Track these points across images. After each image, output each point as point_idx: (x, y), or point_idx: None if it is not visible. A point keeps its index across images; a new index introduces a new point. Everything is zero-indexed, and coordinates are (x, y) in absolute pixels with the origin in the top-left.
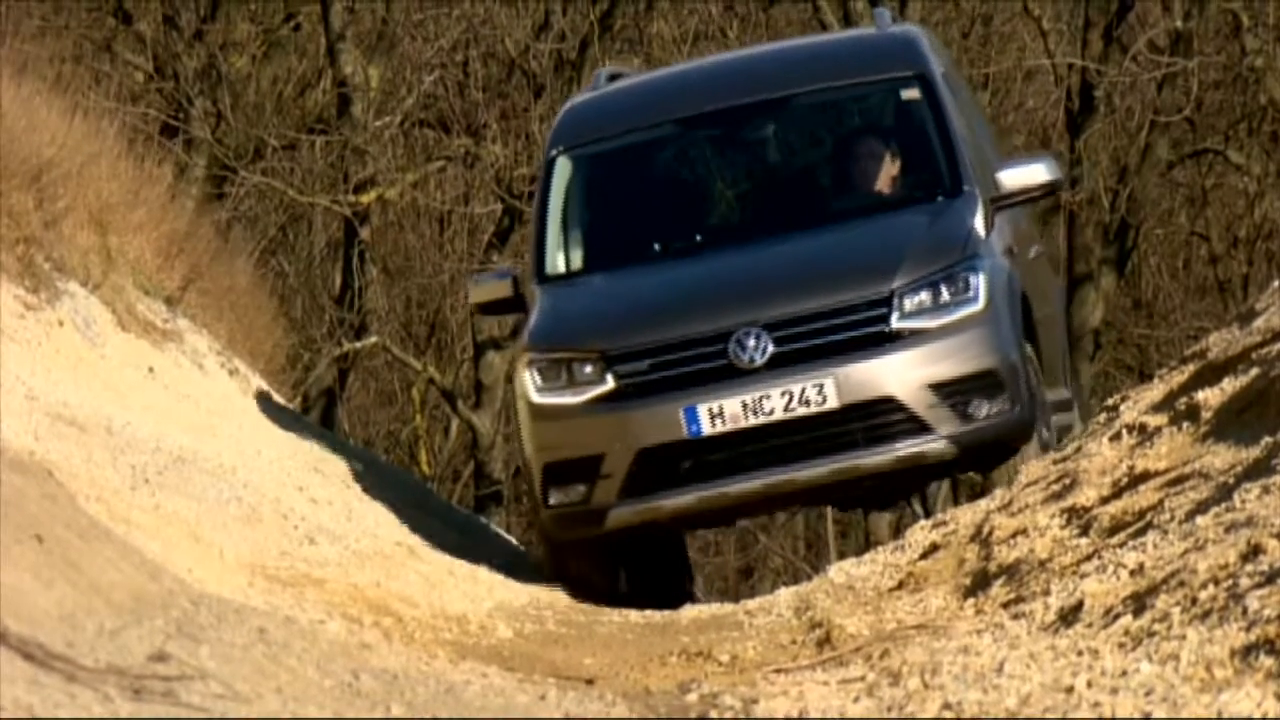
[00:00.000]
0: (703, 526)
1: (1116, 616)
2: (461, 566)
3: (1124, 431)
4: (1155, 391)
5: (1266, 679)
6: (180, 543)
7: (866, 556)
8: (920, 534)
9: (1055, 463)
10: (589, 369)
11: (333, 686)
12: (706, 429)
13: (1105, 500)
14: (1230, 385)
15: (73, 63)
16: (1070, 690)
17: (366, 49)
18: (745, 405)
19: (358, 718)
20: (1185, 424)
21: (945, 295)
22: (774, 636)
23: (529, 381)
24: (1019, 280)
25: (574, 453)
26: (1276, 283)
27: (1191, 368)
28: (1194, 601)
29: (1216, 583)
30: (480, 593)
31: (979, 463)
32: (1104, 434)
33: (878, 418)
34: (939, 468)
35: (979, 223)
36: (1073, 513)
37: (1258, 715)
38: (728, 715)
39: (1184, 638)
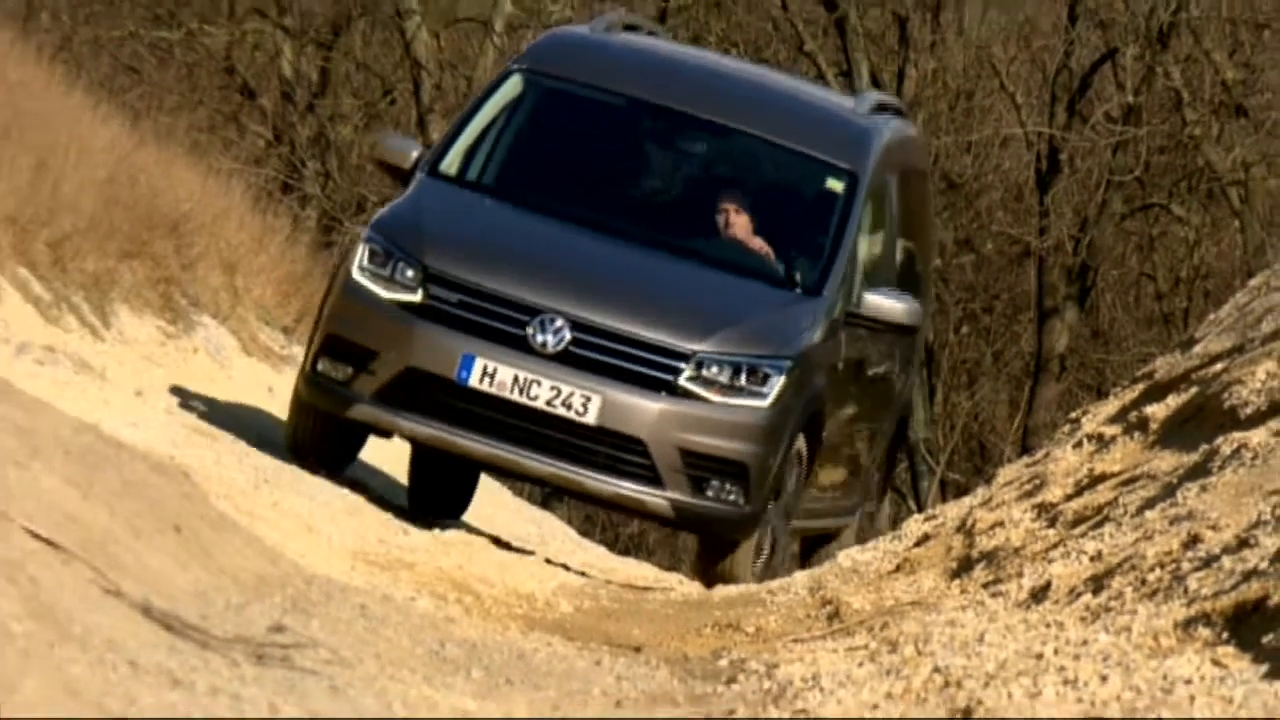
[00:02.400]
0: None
1: (1079, 595)
2: (531, 554)
3: (1085, 440)
4: (1110, 406)
5: (1205, 647)
6: (295, 533)
7: (869, 545)
8: (914, 526)
9: (1028, 466)
10: (410, 274)
11: (423, 654)
12: (473, 381)
13: (1069, 498)
14: (1174, 401)
15: (206, 132)
16: (1040, 656)
17: (451, 120)
18: (516, 379)
19: (444, 679)
20: (1136, 434)
21: (742, 380)
22: (792, 612)
23: (356, 256)
24: (822, 394)
25: (357, 338)
26: (1212, 315)
27: (1141, 386)
28: (1144, 582)
29: (1162, 567)
30: (546, 575)
31: (694, 531)
32: (1068, 442)
33: (621, 452)
34: (652, 519)
35: (818, 329)
36: (1042, 508)
37: (1197, 677)
38: (753, 677)
39: (1135, 613)
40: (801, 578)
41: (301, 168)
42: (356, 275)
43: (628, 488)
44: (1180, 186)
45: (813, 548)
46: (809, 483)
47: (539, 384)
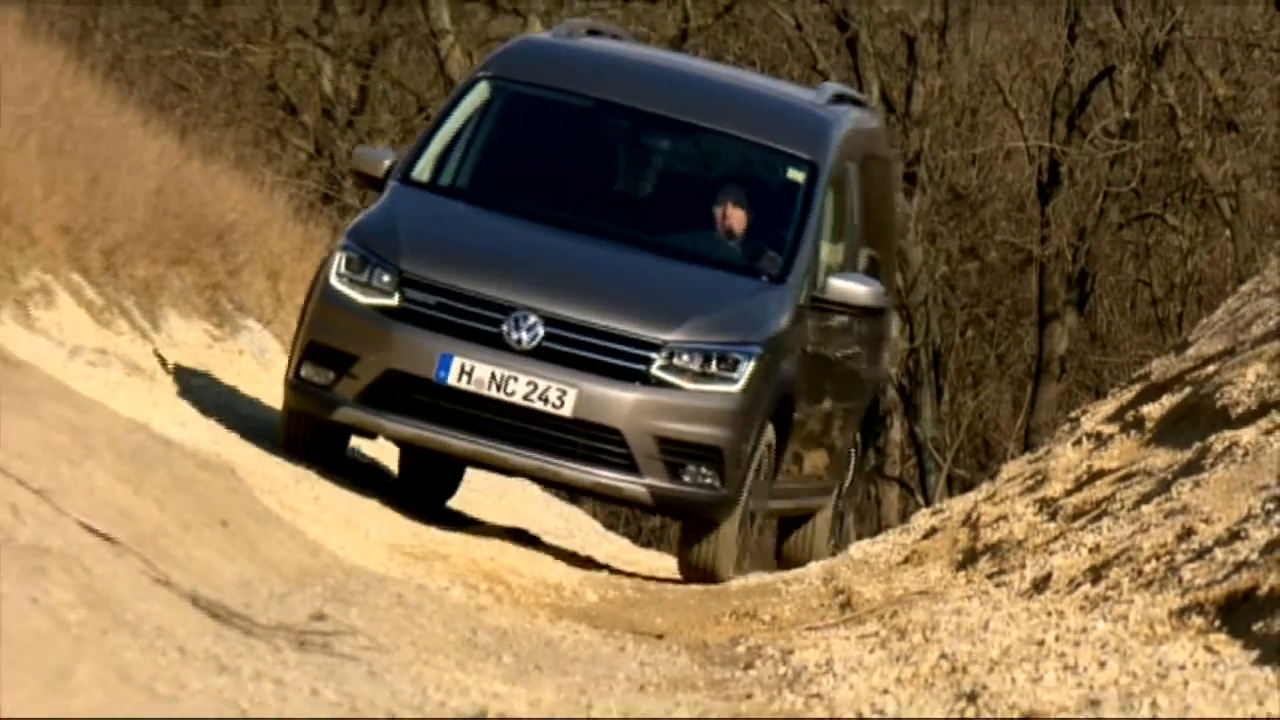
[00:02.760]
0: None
1: (1078, 585)
2: (558, 546)
3: (1084, 438)
4: (1108, 406)
5: (1197, 634)
6: (335, 526)
7: (879, 537)
8: (922, 519)
9: (1030, 462)
10: (386, 279)
11: (456, 640)
12: (451, 380)
13: (1069, 493)
14: (1168, 401)
15: (251, 146)
16: (1041, 643)
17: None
18: (493, 376)
19: (476, 664)
20: (1133, 432)
21: (713, 367)
22: (806, 601)
23: (334, 264)
24: (791, 378)
25: (337, 343)
26: (1204, 320)
27: (1137, 387)
28: (1140, 573)
29: (1158, 558)
30: (572, 566)
31: (673, 516)
32: (1068, 440)
33: (599, 442)
34: (632, 505)
35: (785, 314)
36: (1043, 502)
37: (1191, 663)
38: (769, 663)
39: (1132, 602)
40: (815, 568)
41: (341, 180)
42: (334, 282)
43: (606, 476)
44: (1174, 198)
45: (789, 528)
46: (782, 465)
47: (515, 380)
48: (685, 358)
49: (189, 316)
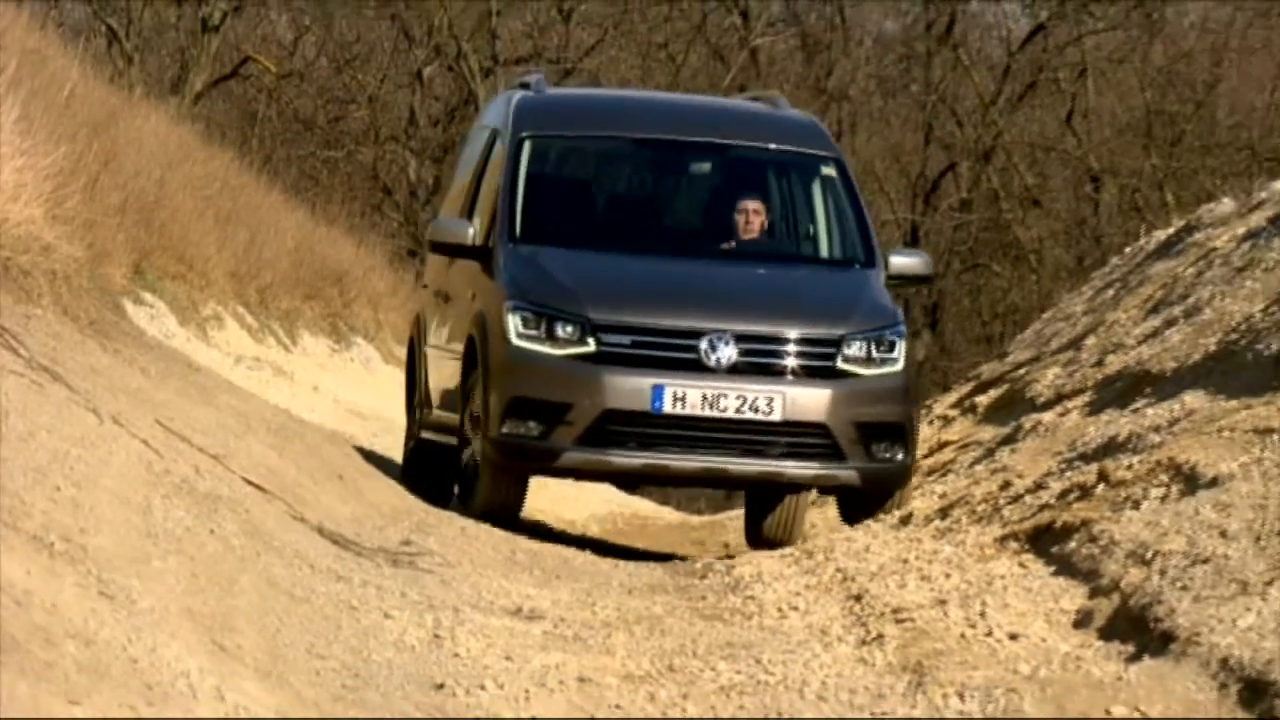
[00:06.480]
0: (633, 482)
1: (931, 521)
2: (572, 493)
3: (935, 419)
4: (951, 396)
5: (1014, 555)
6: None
7: None
8: None
9: None
10: (571, 329)
11: (501, 559)
12: (667, 408)
13: (925, 457)
14: (994, 393)
15: (359, 218)
16: (906, 561)
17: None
18: (705, 397)
19: (515, 575)
20: (968, 414)
21: (875, 351)
22: (742, 533)
23: (511, 325)
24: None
25: (544, 395)
26: (1019, 337)
27: (972, 384)
28: (974, 512)
29: (986, 502)
30: (581, 508)
31: (874, 492)
32: (924, 421)
33: (809, 438)
34: (838, 490)
35: (889, 292)
36: None
37: (1009, 574)
38: (718, 575)
39: (968, 532)
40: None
41: (421, 240)
42: (517, 341)
43: (819, 467)
44: (998, 253)
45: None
46: None
47: (725, 396)
48: (855, 347)
49: (316, 335)
